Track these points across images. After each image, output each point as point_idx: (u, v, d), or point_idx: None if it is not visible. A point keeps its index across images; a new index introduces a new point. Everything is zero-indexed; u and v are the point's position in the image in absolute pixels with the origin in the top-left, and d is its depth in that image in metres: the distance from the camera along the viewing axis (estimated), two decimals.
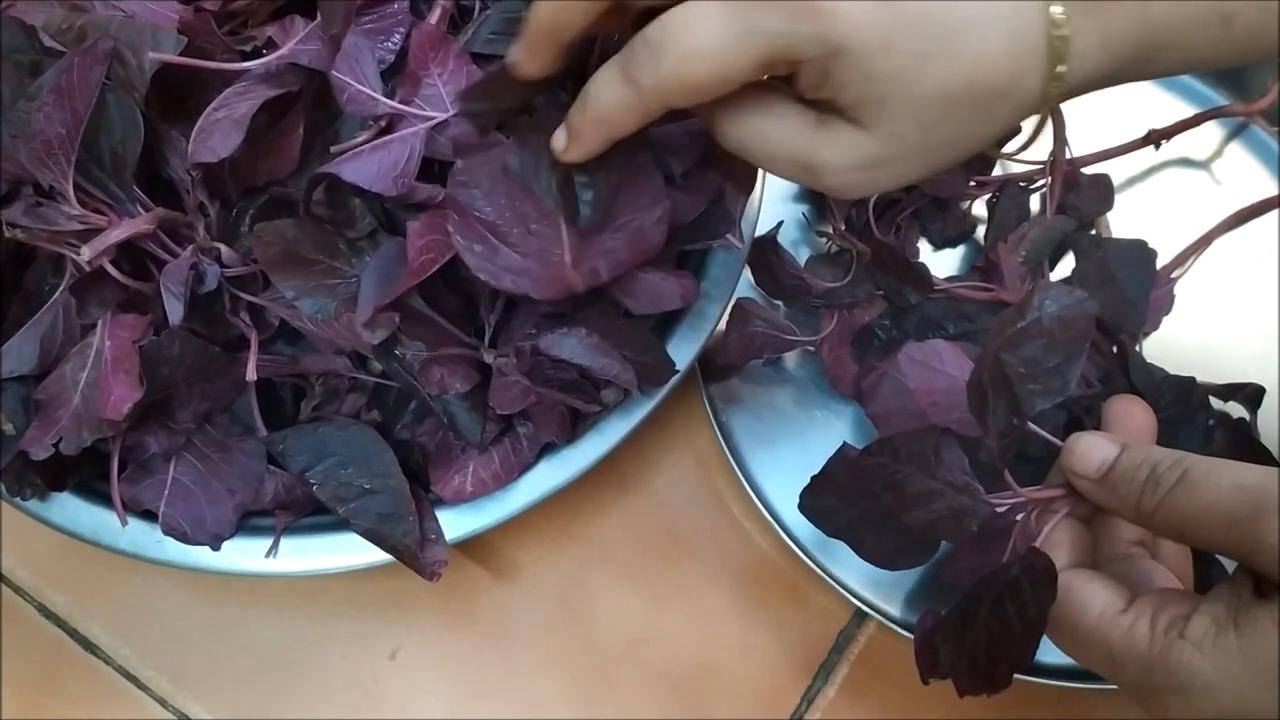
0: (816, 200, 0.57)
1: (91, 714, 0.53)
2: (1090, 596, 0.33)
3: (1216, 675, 0.30)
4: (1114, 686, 0.49)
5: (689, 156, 0.43)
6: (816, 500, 0.41)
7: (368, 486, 0.44)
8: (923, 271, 0.51)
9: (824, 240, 0.55)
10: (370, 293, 0.41)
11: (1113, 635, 0.32)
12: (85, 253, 0.40)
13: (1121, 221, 0.56)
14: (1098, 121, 0.57)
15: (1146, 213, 0.58)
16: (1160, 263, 0.53)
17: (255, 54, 0.42)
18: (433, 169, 0.43)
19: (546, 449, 0.47)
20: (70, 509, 0.46)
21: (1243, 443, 0.49)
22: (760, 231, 0.50)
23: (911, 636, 0.50)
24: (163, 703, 0.53)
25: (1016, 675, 0.49)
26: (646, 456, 0.56)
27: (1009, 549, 0.38)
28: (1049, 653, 0.51)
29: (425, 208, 0.42)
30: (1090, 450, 0.34)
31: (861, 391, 0.52)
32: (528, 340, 0.42)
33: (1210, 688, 0.30)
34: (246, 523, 0.47)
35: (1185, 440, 0.49)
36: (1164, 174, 0.59)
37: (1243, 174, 0.59)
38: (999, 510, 0.36)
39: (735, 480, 0.52)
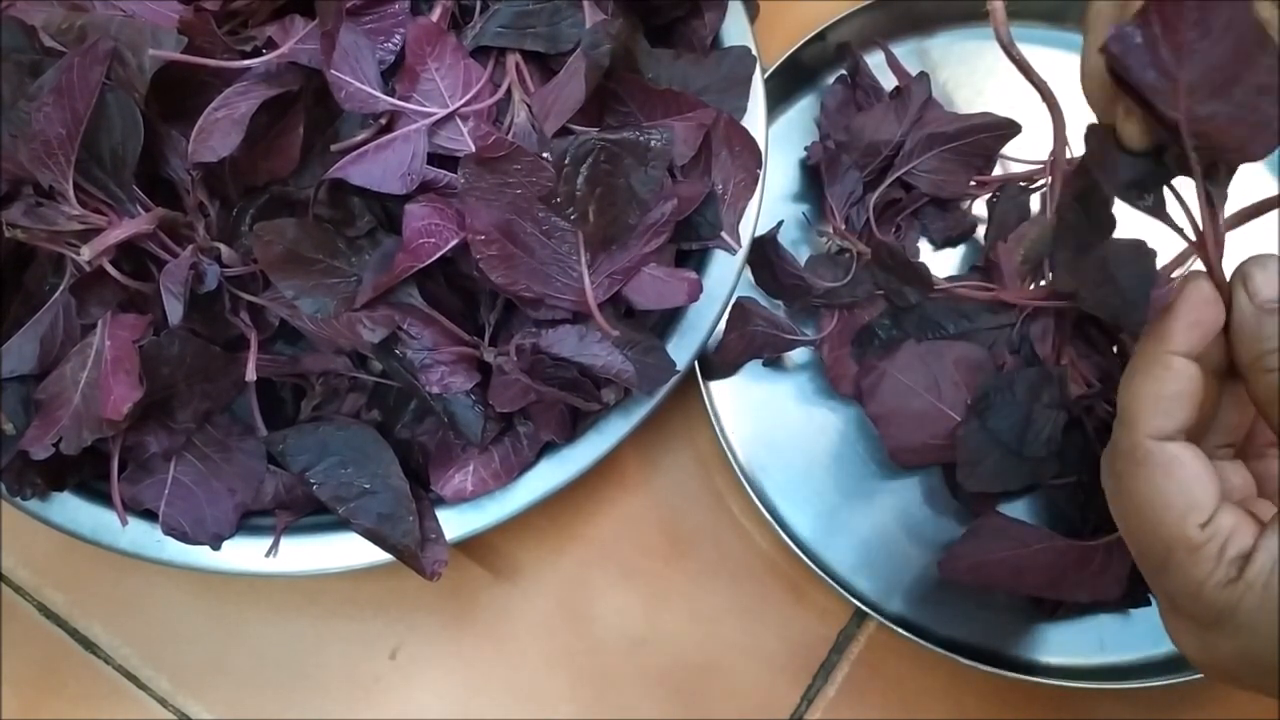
0: (817, 200, 0.57)
1: (91, 714, 0.53)
2: (1182, 489, 0.31)
3: (1250, 619, 0.29)
4: (1112, 686, 0.50)
5: (688, 147, 0.43)
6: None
7: (368, 486, 0.44)
8: (923, 271, 0.51)
9: (824, 240, 0.55)
10: (372, 282, 0.41)
11: (1179, 547, 0.31)
12: (85, 253, 0.40)
13: (1121, 221, 0.56)
14: None
15: None
16: (1160, 263, 0.53)
17: (255, 53, 0.42)
18: (434, 158, 0.43)
19: (547, 448, 0.47)
20: (70, 509, 0.46)
21: None
22: (760, 231, 0.50)
23: (911, 636, 0.50)
24: (163, 702, 0.53)
25: (1016, 675, 0.49)
26: (646, 456, 0.56)
27: None
28: (1049, 652, 0.52)
29: (425, 189, 0.42)
30: (1275, 280, 0.34)
31: (861, 391, 0.52)
32: (528, 338, 0.42)
33: (1241, 629, 0.30)
34: (246, 523, 0.47)
35: None
36: None
37: (1243, 174, 0.59)
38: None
39: (735, 480, 0.52)
